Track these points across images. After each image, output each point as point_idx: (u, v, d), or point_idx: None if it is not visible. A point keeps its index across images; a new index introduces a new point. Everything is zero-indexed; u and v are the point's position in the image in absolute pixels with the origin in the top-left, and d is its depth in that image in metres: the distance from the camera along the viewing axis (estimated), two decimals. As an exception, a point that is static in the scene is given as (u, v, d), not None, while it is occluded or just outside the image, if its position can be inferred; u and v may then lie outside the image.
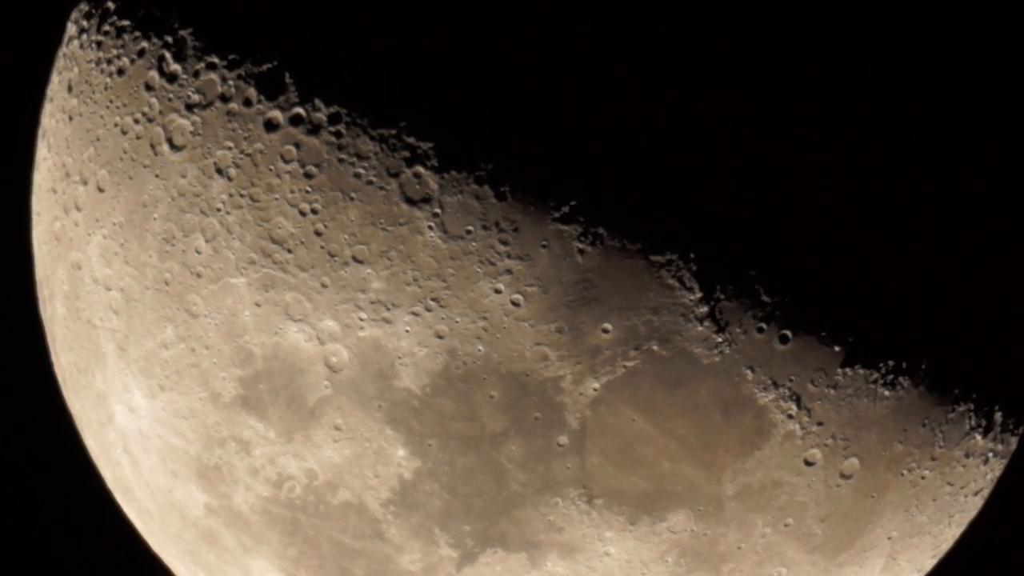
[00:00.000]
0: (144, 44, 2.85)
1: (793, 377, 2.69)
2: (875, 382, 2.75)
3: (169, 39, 2.80)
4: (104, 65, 2.93)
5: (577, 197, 2.55)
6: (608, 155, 2.53)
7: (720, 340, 2.63)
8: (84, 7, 3.11)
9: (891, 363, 2.75)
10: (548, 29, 2.54)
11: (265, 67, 2.67)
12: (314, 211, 2.63)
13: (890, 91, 2.63)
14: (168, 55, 2.79)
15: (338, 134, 2.61)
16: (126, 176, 2.84)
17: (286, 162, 2.65)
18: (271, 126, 2.66)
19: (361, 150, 2.60)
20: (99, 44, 2.97)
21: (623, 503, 2.75)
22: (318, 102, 2.62)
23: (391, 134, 2.58)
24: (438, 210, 2.58)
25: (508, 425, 2.68)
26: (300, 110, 2.64)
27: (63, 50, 3.18)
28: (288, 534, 2.95)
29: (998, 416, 3.02)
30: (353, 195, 2.61)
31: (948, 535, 3.27)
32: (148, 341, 2.88)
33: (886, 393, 2.77)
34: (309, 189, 2.63)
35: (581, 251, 2.57)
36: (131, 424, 3.06)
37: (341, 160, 2.61)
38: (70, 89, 3.05)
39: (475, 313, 2.61)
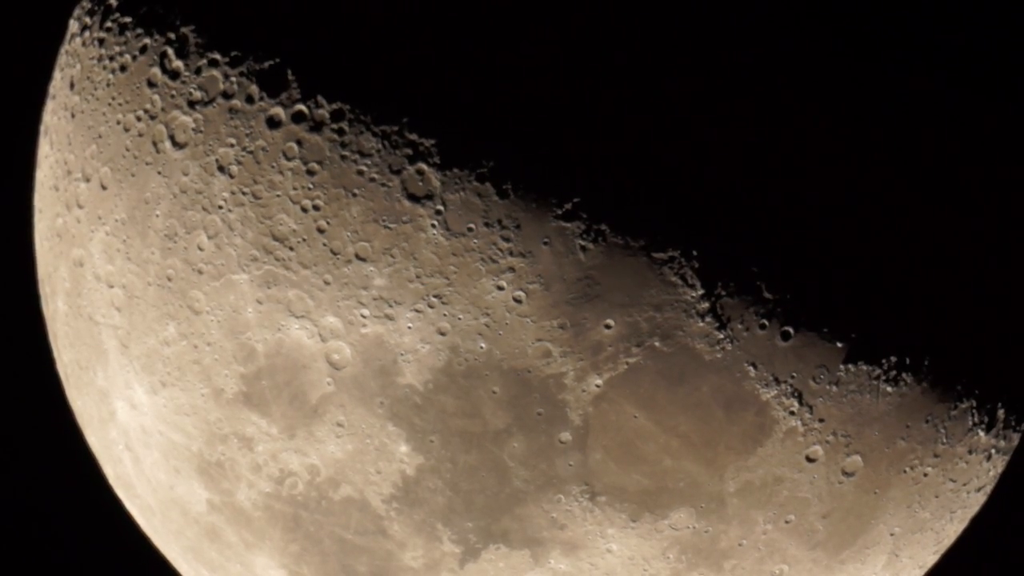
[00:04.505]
0: (146, 41, 2.85)
1: (795, 374, 2.69)
2: (877, 378, 2.75)
3: (171, 36, 2.80)
4: (106, 62, 2.93)
5: (579, 195, 2.55)
6: (610, 153, 2.53)
7: (722, 337, 2.63)
8: (86, 4, 3.11)
9: (894, 359, 2.75)
10: (550, 27, 2.54)
11: (267, 64, 2.67)
12: (316, 208, 2.63)
13: (891, 88, 2.63)
14: (170, 52, 2.79)
15: (340, 131, 2.61)
16: (128, 173, 2.84)
17: (288, 159, 2.65)
18: (273, 123, 2.66)
19: (363, 147, 2.60)
20: (101, 41, 2.96)
21: (625, 500, 2.75)
22: (320, 99, 2.62)
23: (393, 131, 2.58)
24: (440, 207, 2.58)
25: (510, 422, 2.68)
26: (302, 107, 2.64)
27: (65, 47, 3.18)
28: (290, 530, 2.95)
29: (1001, 412, 3.02)
30: (355, 192, 2.61)
31: (950, 531, 3.27)
32: (150, 338, 2.88)
33: (888, 390, 2.77)
34: (311, 186, 2.63)
35: (583, 248, 2.57)
36: (133, 421, 3.06)
37: (343, 157, 2.61)
38: (72, 86, 3.05)
39: (477, 310, 2.61)
